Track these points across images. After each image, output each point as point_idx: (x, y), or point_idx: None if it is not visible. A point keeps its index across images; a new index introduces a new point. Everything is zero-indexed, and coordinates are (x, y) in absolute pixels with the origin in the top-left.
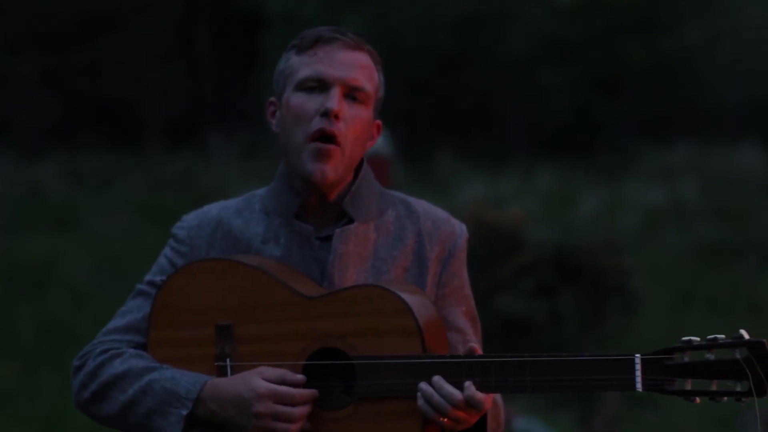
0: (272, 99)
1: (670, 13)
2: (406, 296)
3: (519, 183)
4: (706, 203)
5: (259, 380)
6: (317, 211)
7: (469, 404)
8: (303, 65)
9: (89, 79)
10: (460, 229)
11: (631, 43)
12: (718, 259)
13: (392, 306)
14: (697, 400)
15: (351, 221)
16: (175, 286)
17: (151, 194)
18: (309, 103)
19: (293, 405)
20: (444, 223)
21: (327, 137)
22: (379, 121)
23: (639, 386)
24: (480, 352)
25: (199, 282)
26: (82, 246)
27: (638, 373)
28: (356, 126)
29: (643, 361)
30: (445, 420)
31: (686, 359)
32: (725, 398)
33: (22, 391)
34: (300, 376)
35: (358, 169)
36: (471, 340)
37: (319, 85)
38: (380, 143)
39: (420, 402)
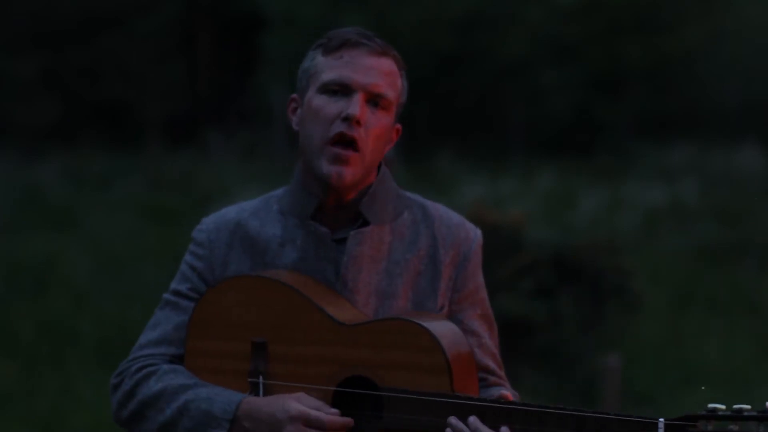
0: (294, 96)
1: (670, 13)
2: (438, 332)
3: (519, 183)
4: (706, 204)
5: (294, 402)
6: (333, 212)
7: None
8: (328, 67)
9: (89, 79)
10: (475, 233)
11: (631, 43)
12: (718, 260)
13: (424, 342)
14: None
15: (366, 223)
16: (215, 299)
17: (151, 194)
18: (331, 106)
19: (324, 431)
20: (458, 228)
21: (347, 142)
22: (398, 126)
23: None
24: (511, 398)
25: (238, 297)
26: (82, 246)
27: None
28: (377, 132)
29: (666, 425)
30: None
31: (710, 428)
32: None
33: (22, 391)
34: (334, 410)
35: (377, 169)
36: (485, 344)
37: (342, 89)
38: None
39: None
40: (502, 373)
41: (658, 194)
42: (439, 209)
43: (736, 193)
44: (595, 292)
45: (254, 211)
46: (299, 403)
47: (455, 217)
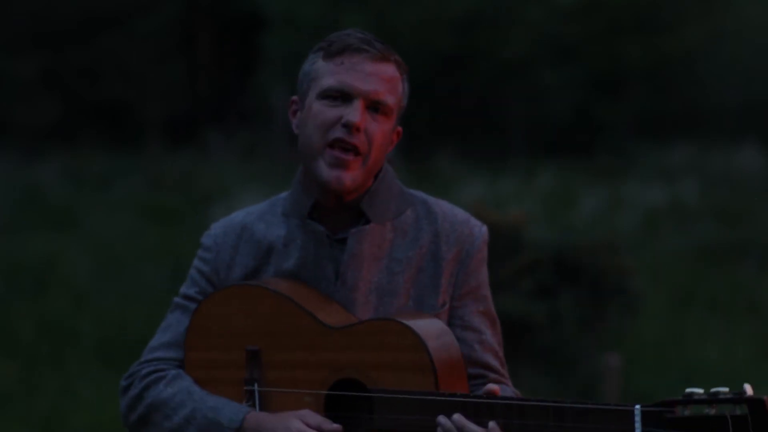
0: (294, 98)
1: (670, 13)
2: (423, 331)
3: (519, 183)
4: (706, 204)
5: (296, 422)
6: (335, 212)
7: None
8: (328, 73)
9: (89, 79)
10: (479, 230)
11: (631, 43)
12: (718, 260)
13: (408, 341)
14: None
15: (368, 221)
16: (210, 309)
17: (151, 194)
18: (331, 111)
19: None
20: (462, 225)
21: (347, 148)
22: (399, 128)
23: None
24: (497, 392)
25: (232, 306)
26: (82, 246)
27: (638, 424)
28: (377, 137)
29: (643, 412)
30: None
31: (687, 413)
32: None
33: (22, 391)
34: (337, 426)
35: (378, 171)
36: (486, 340)
37: (342, 96)
38: None
39: None
40: (504, 370)
41: (658, 194)
42: (443, 206)
43: (736, 193)
44: (595, 292)
45: (261, 214)
46: (301, 422)
47: (460, 213)
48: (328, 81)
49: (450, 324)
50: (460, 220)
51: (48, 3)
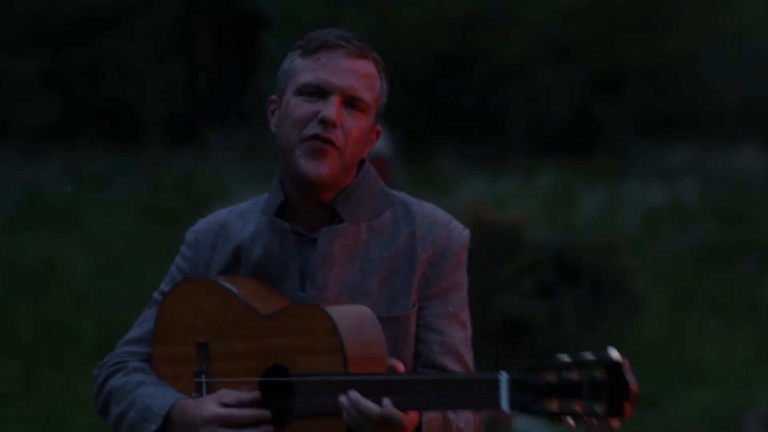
0: (273, 97)
1: (670, 13)
2: (337, 314)
3: (519, 183)
4: (706, 204)
5: (209, 405)
6: (311, 211)
7: (386, 421)
8: (305, 70)
9: (89, 79)
10: (459, 233)
11: (631, 43)
12: (718, 260)
13: (324, 326)
14: (570, 421)
15: (342, 221)
16: (171, 304)
17: (151, 194)
18: (307, 108)
19: (238, 427)
20: (441, 227)
21: (323, 141)
22: (378, 127)
23: (505, 405)
24: (401, 368)
25: (188, 301)
26: (82, 246)
27: (504, 392)
28: (354, 134)
29: (509, 380)
30: None
31: (552, 379)
32: (594, 420)
33: (22, 391)
34: (253, 394)
35: (358, 170)
36: (447, 343)
37: (318, 92)
38: (380, 143)
39: (344, 416)
40: None
41: (658, 194)
42: (423, 207)
43: (736, 193)
44: (595, 292)
45: (242, 212)
46: (214, 405)
47: (440, 215)
48: (305, 77)
49: (417, 325)
50: (439, 222)
51: (48, 3)
